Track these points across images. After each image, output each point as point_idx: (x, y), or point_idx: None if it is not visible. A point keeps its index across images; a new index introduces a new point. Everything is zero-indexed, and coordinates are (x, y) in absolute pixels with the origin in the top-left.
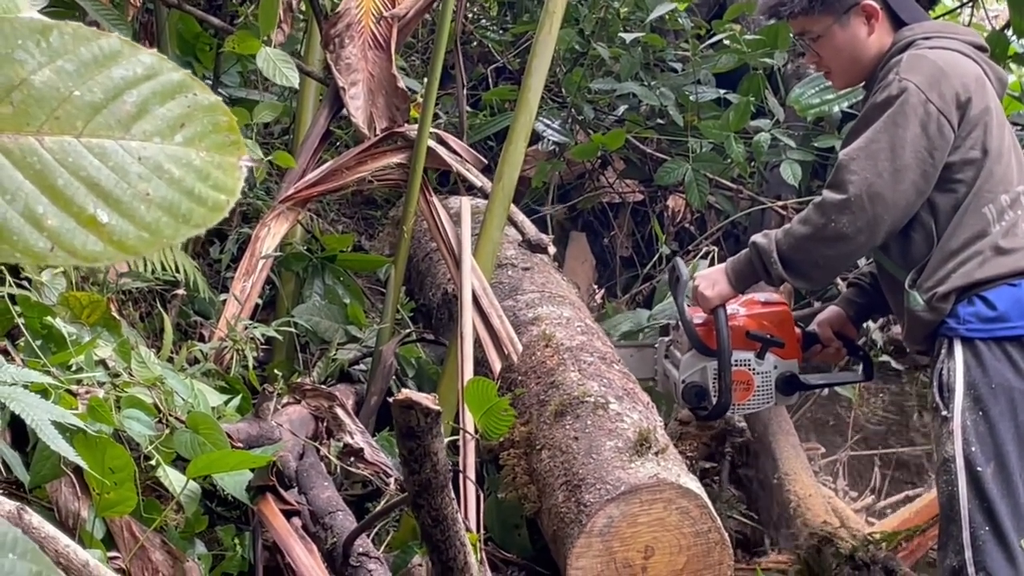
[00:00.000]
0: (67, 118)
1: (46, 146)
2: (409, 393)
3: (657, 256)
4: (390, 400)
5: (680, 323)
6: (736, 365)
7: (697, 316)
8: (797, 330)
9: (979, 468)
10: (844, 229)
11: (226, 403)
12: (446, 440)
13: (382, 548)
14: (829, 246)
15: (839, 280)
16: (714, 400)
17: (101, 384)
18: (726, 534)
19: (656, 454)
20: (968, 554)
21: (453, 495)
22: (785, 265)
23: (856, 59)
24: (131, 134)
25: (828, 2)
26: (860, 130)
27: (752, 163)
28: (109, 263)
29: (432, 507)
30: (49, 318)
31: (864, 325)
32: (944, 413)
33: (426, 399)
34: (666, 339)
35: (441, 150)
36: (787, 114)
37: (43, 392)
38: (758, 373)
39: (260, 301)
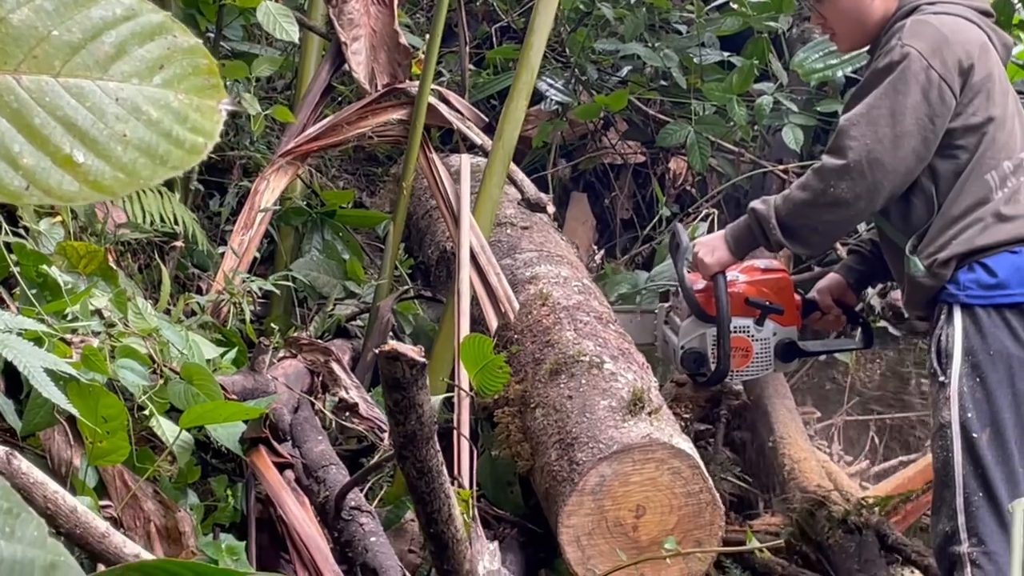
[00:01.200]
0: (45, 57)
1: (23, 85)
2: (395, 344)
3: (657, 218)
4: (376, 351)
5: (680, 289)
6: (735, 332)
7: (697, 282)
8: (797, 297)
9: (975, 434)
10: (843, 195)
11: (222, 356)
12: (442, 397)
13: (375, 503)
14: (828, 212)
15: (838, 245)
16: (713, 366)
17: (96, 334)
18: (718, 495)
19: (649, 414)
20: (961, 519)
21: (438, 448)
22: (784, 231)
23: (861, 22)
24: (109, 75)
25: None
26: (861, 95)
27: (754, 127)
28: (84, 203)
29: (417, 459)
30: (45, 267)
31: (864, 292)
32: (941, 379)
33: (412, 351)
34: (666, 305)
35: (442, 107)
36: (790, 78)
37: (37, 340)
38: (757, 340)
39: (259, 256)
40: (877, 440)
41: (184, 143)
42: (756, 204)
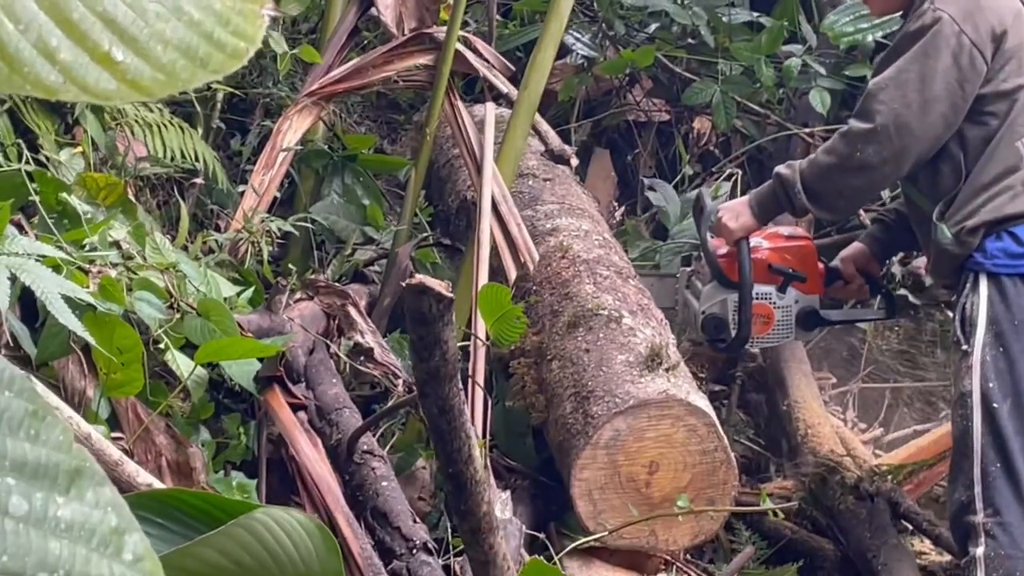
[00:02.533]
0: None
1: None
2: (423, 278)
3: (680, 176)
4: (403, 284)
5: (702, 254)
6: (757, 298)
7: (720, 247)
8: (820, 265)
9: (995, 404)
10: (870, 159)
11: (238, 295)
12: (458, 344)
13: (387, 449)
14: (854, 176)
15: (862, 212)
16: (733, 332)
17: (114, 265)
18: (732, 454)
19: (667, 370)
20: (977, 489)
21: (461, 386)
22: (809, 195)
23: None
24: None
25: None
26: (891, 59)
27: (781, 89)
28: (122, 101)
29: (439, 396)
30: (64, 195)
31: (887, 262)
32: (964, 347)
33: (439, 285)
34: (688, 269)
35: (469, 54)
36: (820, 41)
37: (55, 267)
38: (778, 307)
39: (279, 197)
40: (892, 408)
41: (225, 46)
42: (781, 168)
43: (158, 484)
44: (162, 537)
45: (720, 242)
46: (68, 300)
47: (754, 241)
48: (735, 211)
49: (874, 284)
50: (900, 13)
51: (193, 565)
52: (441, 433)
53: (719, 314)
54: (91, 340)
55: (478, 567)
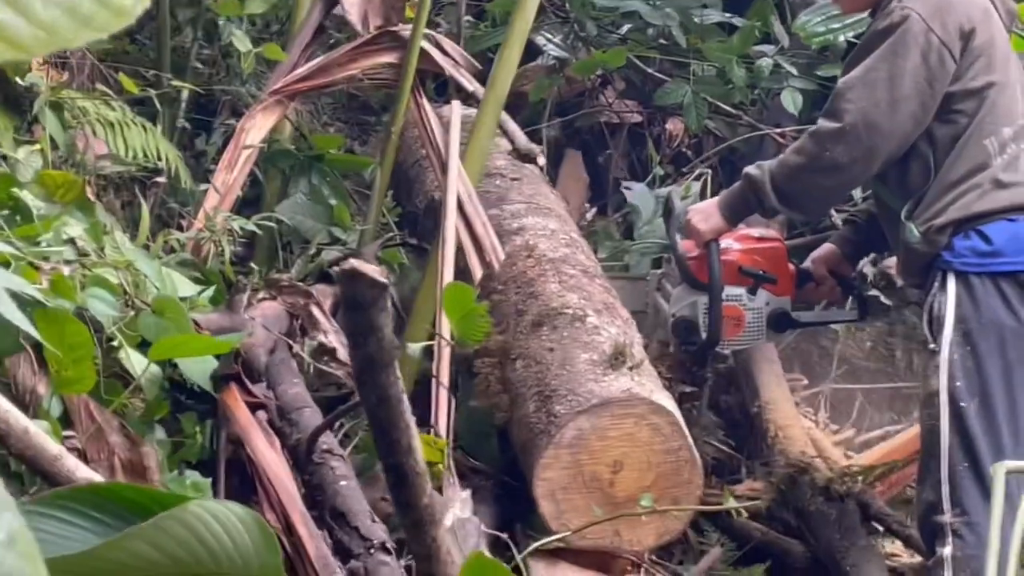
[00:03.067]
0: None
1: None
2: (356, 262)
3: (650, 177)
4: (337, 269)
5: (672, 256)
6: (727, 300)
7: (690, 250)
8: (791, 267)
9: (963, 403)
10: (839, 159)
11: (199, 294)
12: (422, 344)
13: (350, 450)
14: (824, 176)
15: (833, 212)
16: (704, 335)
17: (69, 263)
18: (697, 453)
19: (631, 369)
20: (945, 490)
21: (399, 375)
22: (779, 196)
23: None
24: None
25: None
26: (860, 58)
27: (753, 89)
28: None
29: (376, 385)
30: (16, 190)
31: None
32: (932, 346)
33: (373, 270)
34: (658, 272)
35: (435, 52)
36: (792, 42)
37: (4, 263)
38: (749, 309)
39: (246, 197)
40: (864, 410)
41: (111, 3)
42: (750, 169)
43: (99, 480)
44: (97, 531)
45: (690, 244)
46: (18, 296)
47: (724, 243)
48: (705, 213)
49: (846, 285)
50: (869, 12)
51: (124, 558)
52: (380, 423)
53: (689, 316)
54: (35, 333)
55: (421, 561)
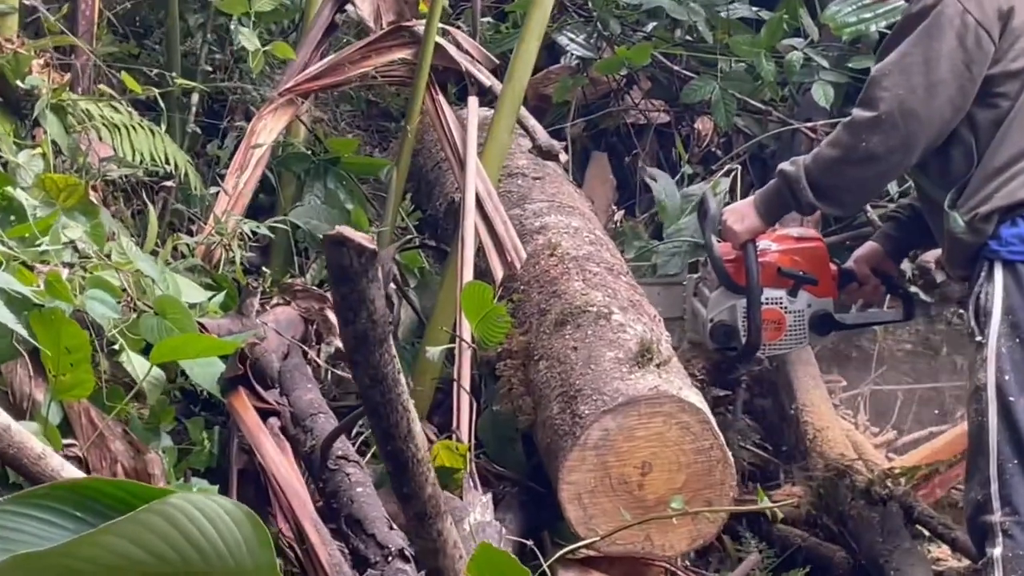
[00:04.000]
0: None
1: None
2: (342, 228)
3: (679, 176)
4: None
5: (708, 259)
6: (767, 303)
7: (727, 252)
8: (832, 267)
9: (1011, 398)
10: (876, 149)
11: (210, 299)
12: (443, 347)
13: (367, 459)
14: (861, 167)
15: (869, 208)
16: (743, 340)
17: (69, 265)
18: (729, 452)
19: (658, 366)
20: (994, 487)
21: (394, 353)
22: (815, 191)
23: None
24: None
25: None
26: (894, 43)
27: (784, 85)
28: None
29: (370, 364)
30: (10, 189)
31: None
32: (979, 339)
33: (360, 236)
34: (695, 276)
35: (450, 47)
36: (822, 34)
37: None
38: (790, 312)
39: (262, 206)
40: (905, 410)
41: None
42: (784, 166)
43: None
44: (78, 530)
45: (726, 246)
46: (13, 301)
47: (762, 244)
48: (740, 213)
49: (890, 285)
50: None
51: (102, 556)
52: (375, 406)
53: (728, 321)
54: (24, 333)
55: (426, 555)
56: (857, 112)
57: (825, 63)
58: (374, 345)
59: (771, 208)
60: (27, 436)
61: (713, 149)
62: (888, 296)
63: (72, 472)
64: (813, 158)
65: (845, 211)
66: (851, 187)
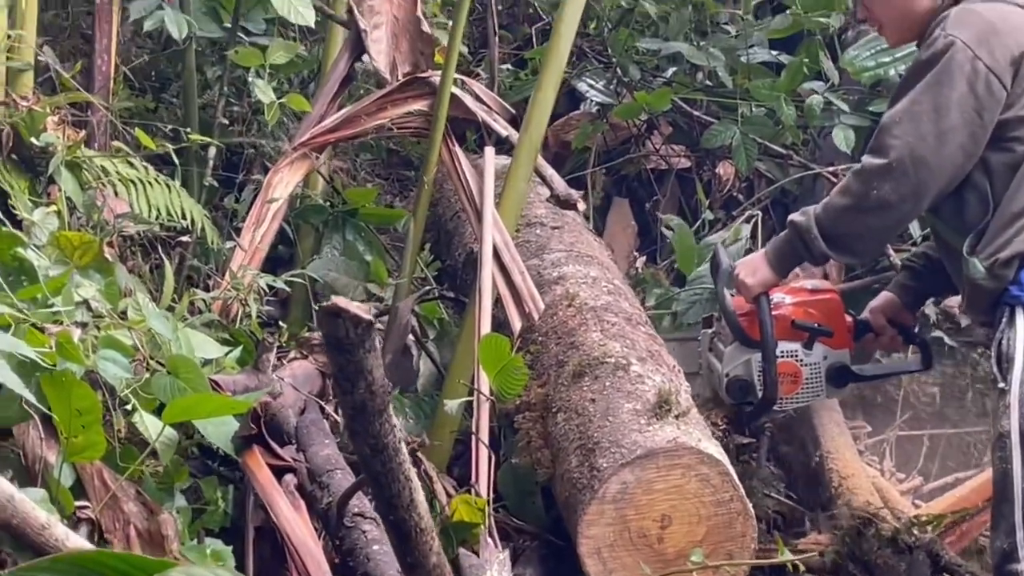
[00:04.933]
0: None
1: None
2: (338, 299)
3: (700, 222)
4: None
5: (722, 313)
6: (782, 356)
7: (740, 305)
8: (848, 318)
9: None
10: (887, 197)
11: (227, 355)
12: (461, 400)
13: None
14: (872, 216)
15: (891, 251)
16: (759, 394)
17: (82, 325)
18: (749, 504)
19: (676, 417)
20: (1019, 535)
21: (395, 422)
22: (827, 240)
23: (906, 12)
24: None
25: None
26: (905, 90)
27: (804, 129)
28: None
29: (370, 434)
30: (20, 250)
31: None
32: (1001, 385)
33: (356, 307)
34: (709, 331)
35: (466, 98)
36: (843, 79)
37: (5, 327)
38: (806, 364)
39: (280, 258)
40: (931, 456)
41: None
42: (795, 216)
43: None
44: None
45: (739, 300)
46: (22, 363)
47: (776, 296)
48: (752, 266)
49: (907, 334)
50: (916, 43)
51: None
52: (376, 476)
53: (743, 376)
54: (31, 398)
55: None
56: (867, 160)
57: (845, 107)
58: (373, 415)
59: (783, 260)
60: (31, 506)
61: (735, 194)
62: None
63: (76, 541)
64: (824, 207)
65: (858, 259)
66: (863, 235)
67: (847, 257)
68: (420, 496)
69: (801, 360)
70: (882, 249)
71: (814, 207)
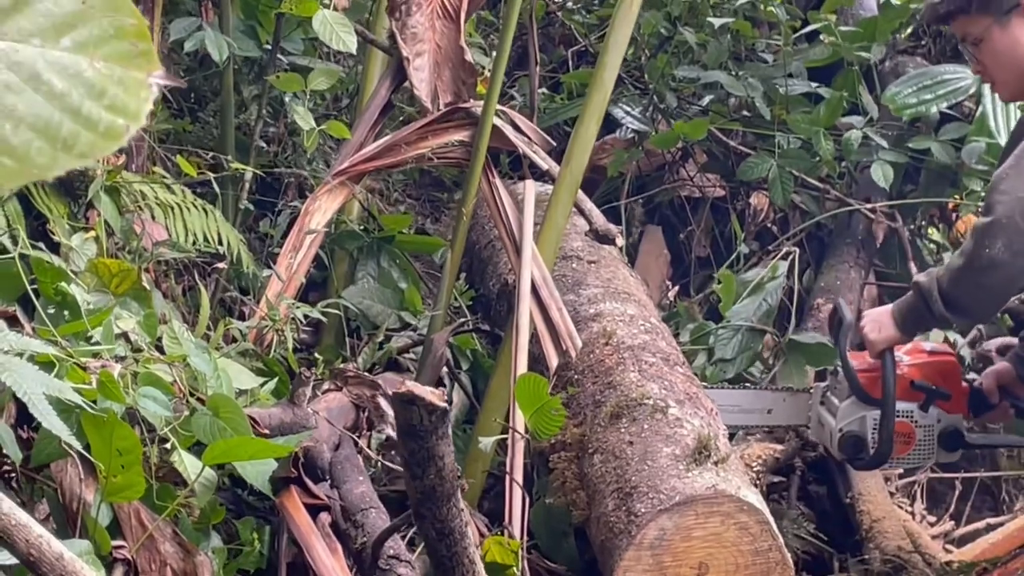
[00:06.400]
0: None
1: None
2: (411, 385)
3: (735, 255)
4: (390, 394)
5: (841, 368)
6: (898, 416)
7: (859, 362)
8: (964, 384)
9: None
10: (999, 254)
11: (262, 386)
12: (495, 438)
13: (418, 552)
14: (985, 275)
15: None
16: (871, 451)
17: (121, 359)
18: (788, 554)
19: (716, 463)
20: None
21: (461, 506)
22: (946, 302)
23: (1018, 65)
24: (1, 31)
25: (986, 1)
26: (1012, 146)
27: (841, 162)
28: None
29: (437, 519)
30: (64, 284)
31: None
32: None
33: (431, 393)
34: (822, 385)
35: (508, 129)
36: (882, 113)
37: (49, 364)
38: (920, 426)
39: (314, 282)
40: (962, 500)
41: (98, 124)
42: (919, 277)
43: None
44: None
45: (860, 356)
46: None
47: (895, 356)
48: (878, 322)
49: (1019, 409)
50: None
51: None
52: (441, 559)
53: (858, 432)
54: (76, 444)
55: None
56: (978, 219)
57: (884, 143)
58: (442, 500)
59: (907, 320)
60: (80, 565)
61: (769, 225)
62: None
63: None
64: (944, 268)
65: (975, 320)
66: (979, 296)
67: (964, 318)
68: None
69: (916, 421)
70: (998, 310)
71: (937, 268)
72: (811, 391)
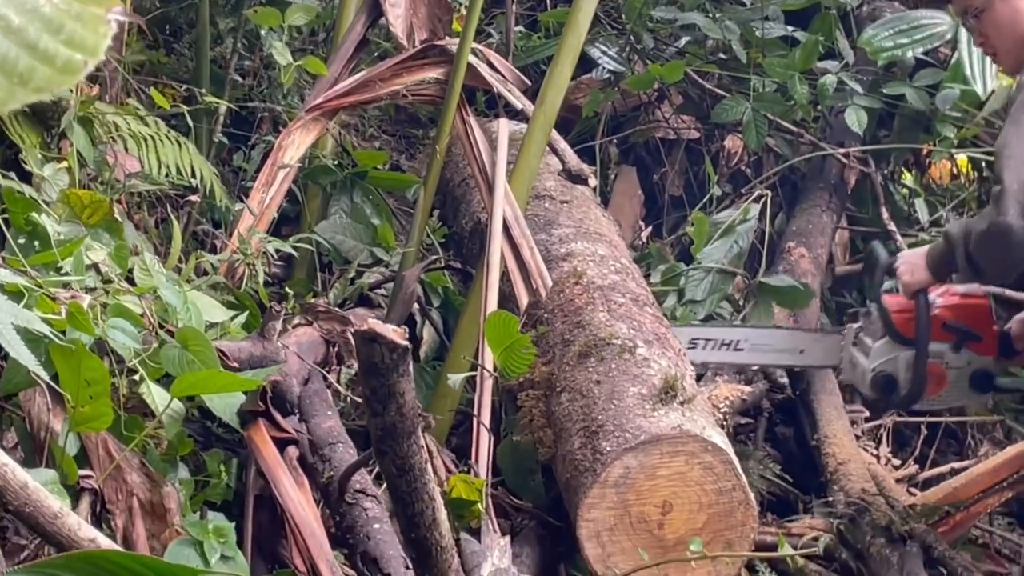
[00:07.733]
0: None
1: None
2: (374, 323)
3: (708, 197)
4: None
5: (876, 308)
6: (930, 358)
7: (894, 303)
8: (995, 327)
9: None
10: (1012, 220)
11: (232, 319)
12: (463, 375)
13: (384, 487)
14: (1000, 241)
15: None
16: (904, 391)
17: (91, 290)
18: (751, 494)
19: (682, 403)
20: None
21: (422, 443)
22: (967, 259)
23: (1020, 36)
24: None
25: None
26: (1016, 114)
27: (816, 107)
28: None
29: (397, 455)
30: (34, 215)
31: None
32: None
33: (393, 332)
34: (855, 325)
35: (482, 67)
36: (857, 58)
37: (19, 295)
38: (952, 368)
39: (286, 216)
40: (927, 444)
41: (55, 59)
42: (951, 228)
43: (103, 540)
44: None
45: (894, 298)
46: (33, 333)
47: (928, 297)
48: (912, 264)
49: None
50: None
51: None
52: (400, 495)
53: (890, 372)
54: (44, 374)
55: None
56: (993, 188)
57: (859, 88)
58: (402, 437)
59: (938, 267)
60: (44, 494)
61: (743, 168)
62: None
63: (88, 532)
64: (974, 228)
65: (994, 282)
66: (1000, 260)
67: (984, 279)
68: (443, 515)
69: (947, 363)
70: (1014, 275)
71: (968, 222)
72: (844, 332)
